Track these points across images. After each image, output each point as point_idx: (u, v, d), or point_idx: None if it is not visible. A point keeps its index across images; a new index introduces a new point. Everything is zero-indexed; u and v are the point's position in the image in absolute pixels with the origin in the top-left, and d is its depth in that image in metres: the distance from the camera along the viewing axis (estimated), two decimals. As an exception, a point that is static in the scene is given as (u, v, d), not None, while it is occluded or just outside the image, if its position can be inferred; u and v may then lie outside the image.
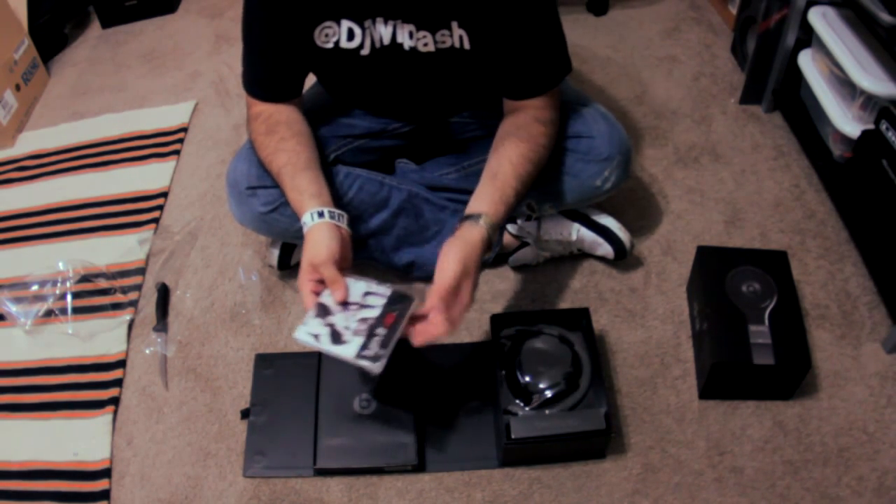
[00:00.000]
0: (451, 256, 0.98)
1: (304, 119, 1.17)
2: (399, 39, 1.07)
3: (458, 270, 0.97)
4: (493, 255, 1.27)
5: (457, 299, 0.98)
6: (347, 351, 0.94)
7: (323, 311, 0.99)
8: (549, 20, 1.07)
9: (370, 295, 1.01)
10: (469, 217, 1.03)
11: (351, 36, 1.08)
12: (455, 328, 0.98)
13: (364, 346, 0.94)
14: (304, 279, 1.00)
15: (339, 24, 1.07)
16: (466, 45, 1.07)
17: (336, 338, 0.96)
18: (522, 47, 1.07)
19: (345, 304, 0.99)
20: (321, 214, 1.03)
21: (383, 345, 0.94)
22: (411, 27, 1.06)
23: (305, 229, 1.03)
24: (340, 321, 0.97)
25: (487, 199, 1.04)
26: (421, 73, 1.13)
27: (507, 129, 1.12)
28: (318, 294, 1.00)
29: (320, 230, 1.01)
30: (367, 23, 1.06)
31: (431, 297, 0.97)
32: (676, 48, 1.81)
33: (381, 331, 0.96)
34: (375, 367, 0.92)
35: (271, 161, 1.11)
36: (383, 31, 1.07)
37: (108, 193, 1.60)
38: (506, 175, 1.06)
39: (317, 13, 1.06)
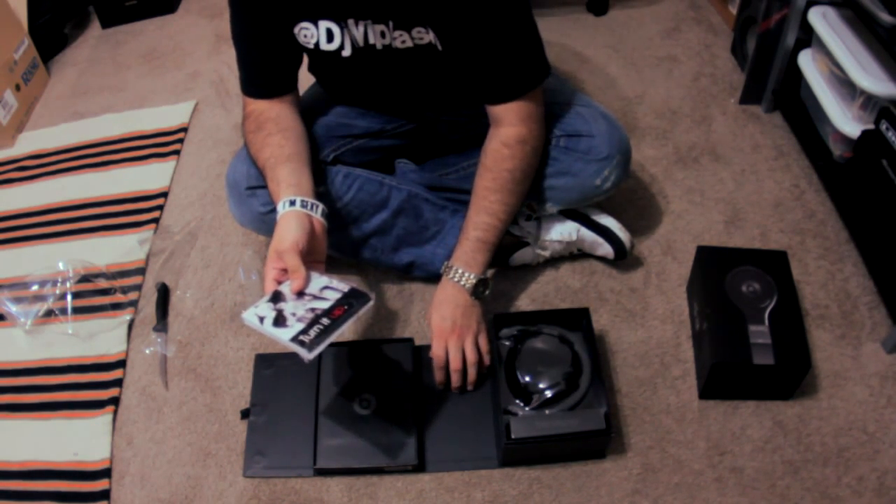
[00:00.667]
0: (434, 315, 1.12)
1: (295, 116, 1.17)
2: (371, 40, 1.08)
3: (445, 326, 1.11)
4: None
5: (459, 348, 1.11)
6: (284, 334, 0.92)
7: (277, 297, 0.98)
8: (519, 24, 1.06)
9: (328, 289, 1.00)
10: (449, 268, 1.13)
11: (330, 37, 1.08)
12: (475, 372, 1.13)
13: (302, 332, 0.92)
14: (269, 266, 1.00)
15: (316, 25, 1.07)
16: (439, 46, 1.07)
17: (279, 321, 0.94)
18: (492, 51, 1.06)
19: (301, 294, 0.98)
20: (293, 203, 1.02)
21: (321, 334, 0.92)
22: (382, 27, 1.06)
23: (277, 217, 1.02)
24: (289, 308, 0.97)
25: (460, 250, 1.14)
26: (404, 70, 1.13)
27: (481, 154, 1.15)
28: (280, 283, 1.00)
29: (289, 219, 1.01)
30: (343, 23, 1.06)
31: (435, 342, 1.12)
32: (676, 48, 1.81)
33: (325, 321, 0.94)
34: (308, 355, 0.90)
35: (258, 157, 1.12)
36: (356, 33, 1.07)
37: (108, 193, 1.60)
38: (477, 215, 1.13)
39: (292, 14, 1.07)
